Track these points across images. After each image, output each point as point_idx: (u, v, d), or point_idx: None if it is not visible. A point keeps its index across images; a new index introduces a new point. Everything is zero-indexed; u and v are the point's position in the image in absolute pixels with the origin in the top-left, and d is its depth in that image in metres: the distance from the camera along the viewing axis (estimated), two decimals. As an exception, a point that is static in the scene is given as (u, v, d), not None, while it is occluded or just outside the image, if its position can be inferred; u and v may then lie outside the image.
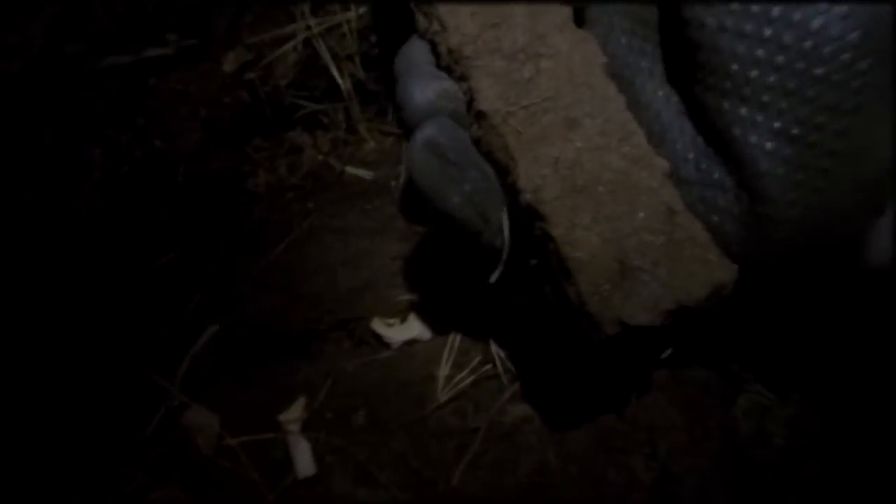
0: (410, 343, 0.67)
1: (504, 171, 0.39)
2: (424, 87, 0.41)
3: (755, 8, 0.33)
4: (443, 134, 0.40)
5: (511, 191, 0.40)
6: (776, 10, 0.32)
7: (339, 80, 0.69)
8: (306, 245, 0.72)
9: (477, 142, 0.41)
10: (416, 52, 0.44)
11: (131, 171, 0.64)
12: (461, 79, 0.40)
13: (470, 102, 0.40)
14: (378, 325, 0.66)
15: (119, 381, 0.65)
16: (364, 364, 0.67)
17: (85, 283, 0.63)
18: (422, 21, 0.42)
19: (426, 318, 0.67)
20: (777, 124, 0.34)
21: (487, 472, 0.58)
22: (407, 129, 0.41)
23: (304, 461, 0.60)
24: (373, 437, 0.62)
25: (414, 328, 0.66)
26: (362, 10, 0.65)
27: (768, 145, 0.34)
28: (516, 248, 0.42)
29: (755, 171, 0.35)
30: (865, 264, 0.37)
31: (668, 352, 0.47)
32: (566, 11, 0.41)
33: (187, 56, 0.65)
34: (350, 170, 0.73)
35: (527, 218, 0.39)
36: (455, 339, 0.65)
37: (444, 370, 0.65)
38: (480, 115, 0.39)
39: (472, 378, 0.64)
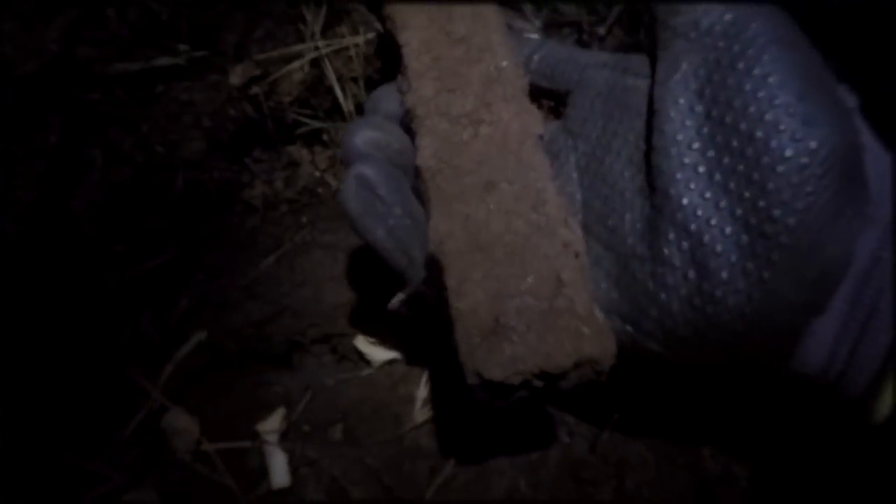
0: (391, 362, 0.68)
1: (426, 220, 0.43)
2: (357, 132, 0.46)
3: (737, 102, 0.35)
4: (374, 171, 0.44)
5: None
6: (753, 109, 0.35)
7: (342, 101, 0.70)
8: (296, 258, 0.74)
9: (416, 192, 0.45)
10: (383, 96, 0.49)
11: (132, 174, 0.65)
12: (413, 135, 0.44)
13: (416, 150, 0.44)
14: (361, 343, 0.67)
15: (100, 380, 0.65)
16: (344, 380, 0.68)
17: (75, 281, 0.64)
18: (399, 80, 0.47)
19: (407, 340, 0.68)
20: (739, 211, 0.36)
21: (459, 494, 0.59)
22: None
23: (279, 472, 0.61)
24: (348, 452, 0.64)
25: (395, 348, 0.67)
26: (370, 35, 0.67)
27: (728, 229, 0.36)
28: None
29: (710, 251, 0.37)
30: (796, 364, 0.38)
31: None
32: (521, 83, 0.45)
33: (196, 67, 0.66)
34: (345, 188, 0.75)
35: (432, 267, 0.42)
36: (438, 360, 0.67)
37: (422, 391, 0.66)
38: (416, 170, 0.43)
39: (448, 400, 0.66)
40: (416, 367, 0.67)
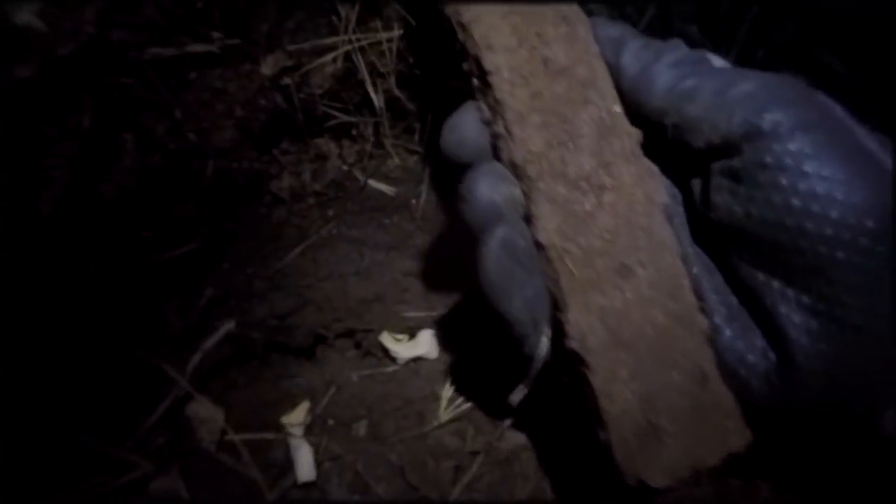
0: (416, 360, 0.68)
1: (553, 303, 0.40)
2: (493, 189, 0.40)
3: (777, 199, 0.35)
4: (519, 236, 0.40)
5: (557, 324, 0.40)
6: (796, 202, 0.35)
7: (374, 96, 0.70)
8: (321, 252, 0.73)
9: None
10: (467, 126, 0.43)
11: (163, 160, 0.65)
12: (521, 192, 0.40)
13: (527, 219, 0.40)
14: (387, 339, 0.68)
15: (125, 366, 0.65)
16: (369, 376, 0.68)
17: (102, 266, 0.63)
18: (485, 111, 0.42)
19: (434, 338, 0.68)
20: (805, 299, 0.36)
21: (483, 495, 0.60)
22: (464, 221, 0.42)
23: (305, 466, 0.61)
24: (372, 448, 0.64)
25: (422, 346, 0.68)
26: (402, 31, 0.66)
27: (796, 318, 0.36)
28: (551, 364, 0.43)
29: (783, 339, 0.37)
30: (881, 433, 0.39)
31: None
32: (635, 135, 0.40)
33: (229, 55, 0.66)
34: (373, 183, 0.75)
35: (570, 359, 0.39)
36: (461, 362, 0.67)
37: (447, 390, 0.66)
38: (538, 245, 0.39)
39: (472, 402, 0.66)
40: (442, 365, 0.67)
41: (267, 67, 0.67)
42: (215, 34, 0.64)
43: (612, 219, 0.39)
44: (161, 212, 0.67)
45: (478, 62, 0.41)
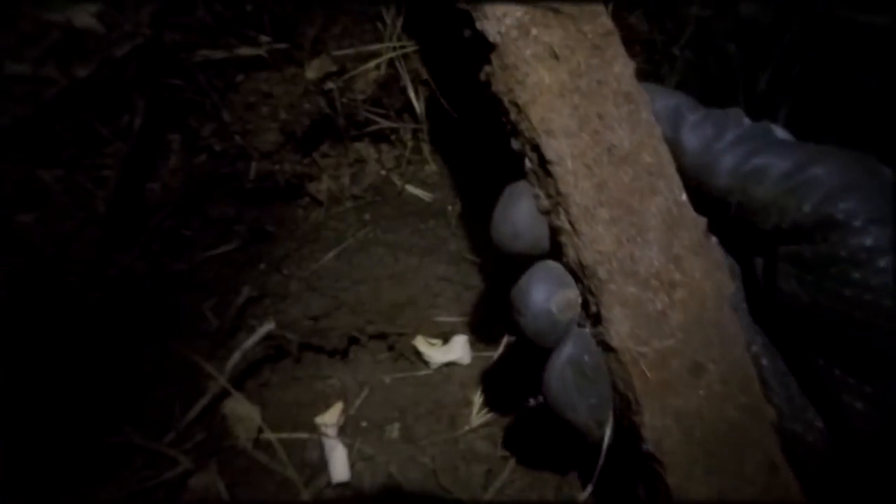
0: (449, 365, 0.69)
1: (625, 403, 0.38)
2: (549, 297, 0.38)
3: (847, 292, 0.34)
4: (585, 352, 0.38)
5: (630, 424, 0.38)
6: (867, 296, 0.33)
7: (415, 102, 0.71)
8: (357, 255, 0.74)
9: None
10: (525, 220, 0.39)
11: (208, 161, 0.66)
12: (588, 291, 0.38)
13: (596, 316, 0.38)
14: (421, 343, 0.68)
15: (163, 362, 0.66)
16: (401, 379, 0.69)
17: (146, 264, 0.64)
18: (543, 200, 0.39)
19: (467, 344, 0.69)
20: (868, 389, 0.35)
21: (515, 501, 0.61)
22: (519, 331, 0.40)
23: (339, 466, 0.62)
24: (404, 450, 0.65)
25: (455, 351, 0.68)
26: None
27: (859, 405, 0.36)
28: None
29: (845, 425, 0.36)
30: None
31: None
32: (702, 224, 0.38)
33: (275, 59, 0.67)
34: (410, 188, 0.76)
35: (645, 457, 0.38)
36: (493, 368, 0.68)
37: (479, 396, 0.67)
38: (610, 348, 0.37)
39: (505, 407, 0.67)
40: (475, 371, 0.68)
41: (312, 72, 0.68)
42: (263, 38, 0.66)
43: (684, 316, 0.37)
44: (202, 211, 0.68)
45: (537, 149, 0.37)
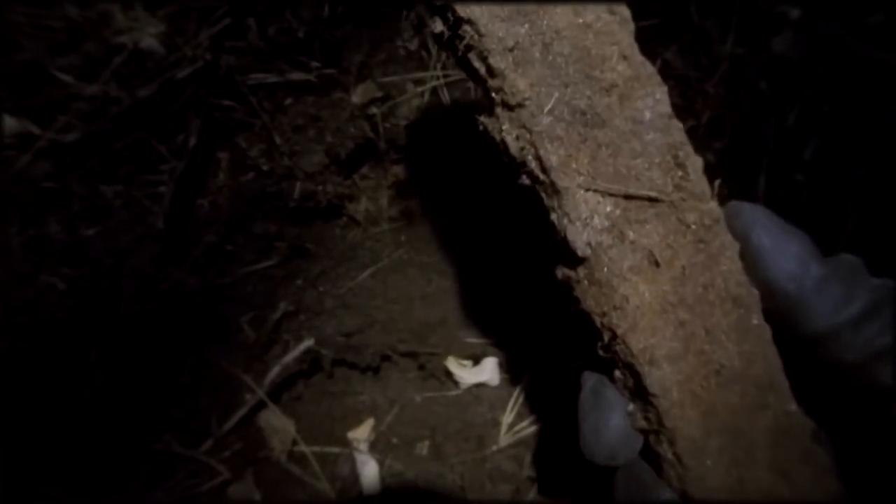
0: (479, 385, 0.71)
1: None
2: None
3: None
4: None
5: None
6: None
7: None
8: (391, 275, 0.76)
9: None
10: (618, 437, 0.35)
11: (255, 180, 0.68)
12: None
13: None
14: (451, 364, 0.70)
15: (202, 372, 0.68)
16: (431, 398, 0.71)
17: (195, 277, 0.67)
18: (640, 420, 0.34)
19: (497, 366, 0.71)
20: None
21: (541, 520, 0.62)
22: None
23: (371, 480, 0.63)
24: (433, 467, 0.66)
25: (485, 372, 0.70)
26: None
27: None
28: None
29: None
30: None
31: None
32: (808, 429, 0.35)
33: (324, 83, 0.69)
34: (447, 213, 0.78)
35: None
36: (522, 390, 0.69)
37: (507, 417, 0.69)
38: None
39: (533, 428, 0.68)
40: (504, 393, 0.70)
41: (357, 96, 0.70)
42: (314, 63, 0.68)
43: None
44: (246, 228, 0.70)
45: (637, 376, 0.33)
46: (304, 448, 0.64)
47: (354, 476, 0.64)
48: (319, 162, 0.69)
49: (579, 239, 0.31)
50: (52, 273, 0.53)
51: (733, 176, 0.78)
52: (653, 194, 0.32)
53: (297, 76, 0.68)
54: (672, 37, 0.77)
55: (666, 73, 0.79)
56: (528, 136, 0.32)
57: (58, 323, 0.53)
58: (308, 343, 0.65)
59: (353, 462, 0.65)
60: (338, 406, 0.70)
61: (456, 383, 0.71)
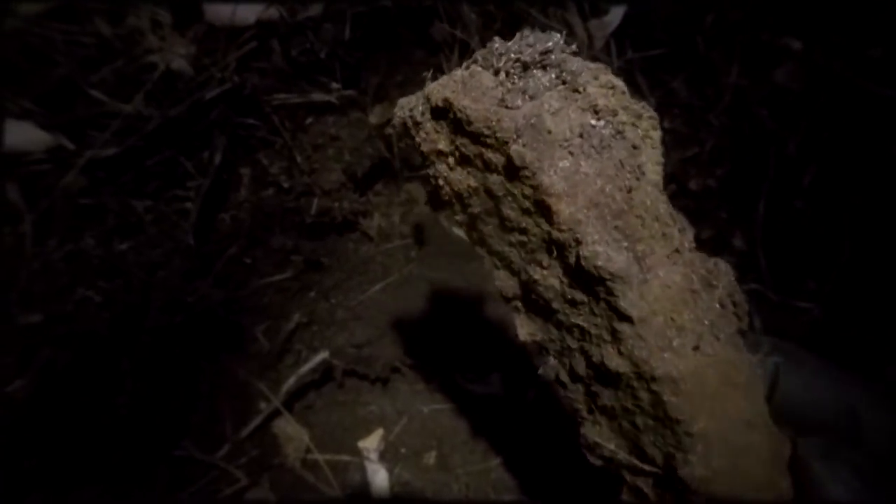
0: (485, 398, 0.73)
1: None
2: None
3: None
4: None
5: None
6: None
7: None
8: (402, 289, 0.79)
9: None
10: None
11: (275, 196, 0.71)
12: None
13: None
14: (459, 377, 0.73)
15: (218, 380, 0.71)
16: (439, 409, 0.73)
17: (220, 290, 0.69)
18: None
19: (503, 380, 0.74)
20: None
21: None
22: None
23: (381, 488, 0.66)
24: (440, 477, 0.69)
25: (492, 385, 0.73)
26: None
27: None
28: None
29: None
30: None
31: None
32: None
33: (343, 104, 0.72)
34: (457, 230, 0.81)
35: None
36: (527, 403, 0.72)
37: (511, 430, 0.71)
38: None
39: (536, 440, 0.71)
40: (509, 405, 0.72)
41: (374, 117, 0.73)
42: (334, 85, 0.71)
43: None
44: (265, 242, 0.73)
45: None
46: (317, 456, 0.66)
47: (365, 484, 0.67)
48: (337, 179, 0.72)
49: None
50: (89, 286, 0.56)
51: (734, 200, 0.81)
52: None
53: (318, 97, 0.70)
54: (679, 67, 0.80)
55: (672, 102, 0.82)
56: None
57: (94, 334, 0.55)
58: (323, 355, 0.67)
59: (363, 470, 0.68)
60: (348, 416, 0.73)
61: (462, 396, 0.73)
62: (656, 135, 0.35)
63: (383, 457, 0.70)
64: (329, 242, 0.77)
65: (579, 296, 0.33)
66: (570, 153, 0.32)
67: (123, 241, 0.59)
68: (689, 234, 0.35)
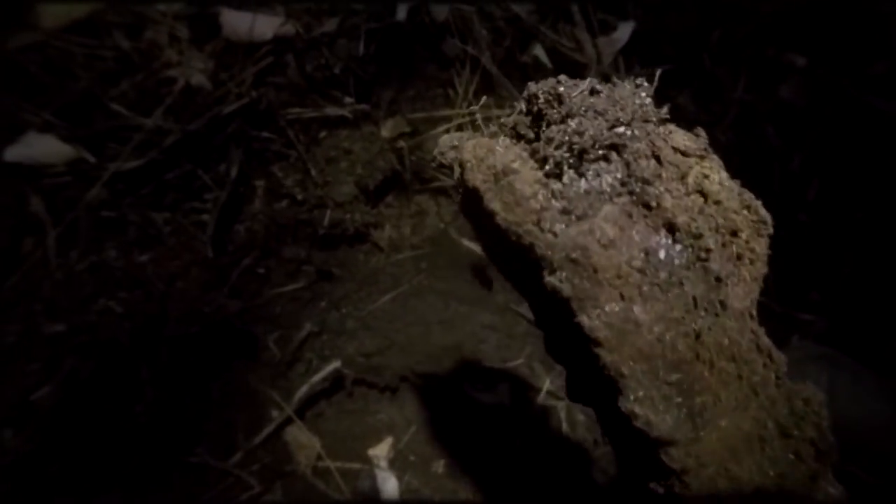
0: (495, 407, 0.74)
1: None
2: None
3: None
4: None
5: None
6: None
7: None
8: (411, 299, 0.80)
9: None
10: None
11: (289, 207, 0.72)
12: None
13: None
14: (468, 386, 0.74)
15: (230, 388, 0.72)
16: (447, 418, 0.74)
17: (237, 301, 0.70)
18: None
19: (510, 389, 0.75)
20: None
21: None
22: None
23: (391, 496, 0.67)
24: (448, 485, 0.70)
25: (501, 394, 0.74)
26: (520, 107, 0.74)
27: None
28: None
29: None
30: None
31: None
32: None
33: (356, 118, 0.73)
34: (466, 242, 0.82)
35: None
36: (538, 410, 0.73)
37: (522, 440, 0.72)
38: None
39: (545, 449, 0.72)
40: (516, 415, 0.74)
41: (386, 130, 0.75)
42: (347, 99, 0.72)
43: None
44: (278, 252, 0.74)
45: None
46: (328, 463, 0.68)
47: (375, 491, 0.68)
48: (349, 192, 0.73)
49: None
50: (110, 297, 0.57)
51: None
52: None
53: (331, 111, 0.72)
54: (685, 82, 0.82)
55: (678, 117, 0.84)
56: None
57: (115, 343, 0.57)
58: (336, 364, 0.69)
59: (373, 478, 0.69)
60: (358, 424, 0.74)
61: (470, 405, 0.74)
62: (761, 244, 0.28)
63: (393, 465, 0.71)
64: (340, 253, 0.79)
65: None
66: (622, 295, 0.25)
67: (143, 252, 0.60)
68: (782, 364, 0.28)
